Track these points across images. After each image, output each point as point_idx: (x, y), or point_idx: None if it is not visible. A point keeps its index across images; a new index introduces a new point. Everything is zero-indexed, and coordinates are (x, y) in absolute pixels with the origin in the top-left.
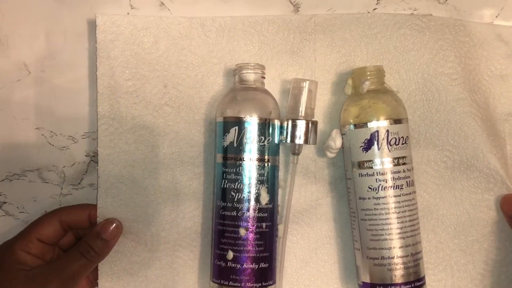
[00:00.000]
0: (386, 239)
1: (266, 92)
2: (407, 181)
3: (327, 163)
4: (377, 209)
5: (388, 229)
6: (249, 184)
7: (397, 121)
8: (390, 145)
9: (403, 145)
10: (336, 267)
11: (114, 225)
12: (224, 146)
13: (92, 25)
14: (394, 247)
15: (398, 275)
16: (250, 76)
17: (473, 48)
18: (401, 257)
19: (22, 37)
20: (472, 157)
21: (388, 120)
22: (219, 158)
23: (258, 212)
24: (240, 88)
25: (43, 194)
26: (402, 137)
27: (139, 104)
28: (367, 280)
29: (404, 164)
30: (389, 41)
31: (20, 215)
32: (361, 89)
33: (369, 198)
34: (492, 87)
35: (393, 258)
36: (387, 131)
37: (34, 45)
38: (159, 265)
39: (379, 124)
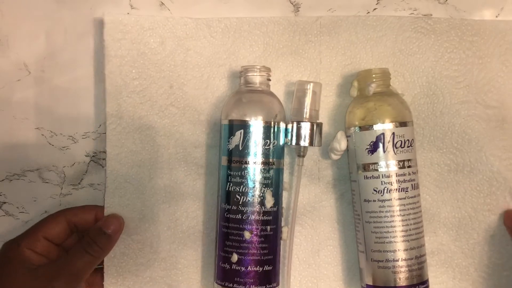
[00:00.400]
0: (391, 242)
1: (272, 94)
2: (412, 184)
3: (331, 165)
4: (382, 212)
5: (393, 231)
6: (254, 187)
7: (402, 123)
8: (396, 148)
9: (408, 148)
10: (339, 269)
11: (116, 219)
12: (229, 149)
13: (94, 25)
14: (398, 250)
15: (402, 277)
16: (256, 78)
17: (484, 46)
18: (406, 259)
19: (22, 37)
20: (475, 160)
21: (393, 123)
22: (224, 160)
23: (263, 215)
24: (245, 90)
25: (43, 194)
26: (408, 139)
27: (145, 104)
28: (371, 283)
29: (409, 167)
30: (394, 44)
31: (20, 215)
32: (367, 91)
33: (374, 201)
34: (508, 84)
35: (397, 260)
36: (393, 133)
37: (34, 45)
38: (164, 266)
39: (385, 127)
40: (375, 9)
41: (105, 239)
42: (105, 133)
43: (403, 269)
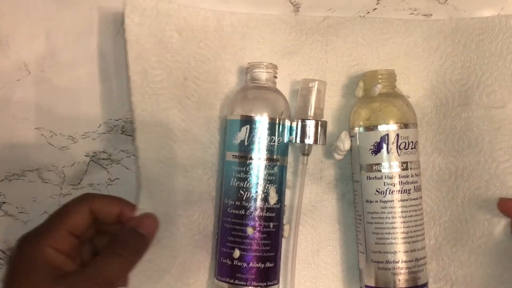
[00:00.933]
0: (391, 243)
1: (278, 92)
2: (414, 186)
3: (333, 165)
4: (384, 213)
5: (394, 233)
6: (258, 183)
7: (407, 125)
8: (400, 149)
9: (412, 150)
10: (338, 270)
11: (152, 219)
12: (234, 144)
13: (95, 25)
14: (399, 252)
15: (402, 279)
16: (263, 75)
17: (491, 44)
18: (406, 261)
19: (22, 37)
20: (475, 163)
21: (398, 124)
22: (229, 156)
23: (266, 212)
24: (252, 86)
25: (43, 194)
26: (412, 141)
27: (165, 96)
28: (370, 284)
29: (412, 168)
30: (400, 47)
31: (19, 215)
32: (373, 92)
33: (376, 202)
34: None
35: (397, 262)
36: (397, 135)
37: (34, 45)
38: (181, 270)
39: (389, 128)
40: (375, 9)
41: (140, 240)
42: (105, 132)
43: (403, 271)
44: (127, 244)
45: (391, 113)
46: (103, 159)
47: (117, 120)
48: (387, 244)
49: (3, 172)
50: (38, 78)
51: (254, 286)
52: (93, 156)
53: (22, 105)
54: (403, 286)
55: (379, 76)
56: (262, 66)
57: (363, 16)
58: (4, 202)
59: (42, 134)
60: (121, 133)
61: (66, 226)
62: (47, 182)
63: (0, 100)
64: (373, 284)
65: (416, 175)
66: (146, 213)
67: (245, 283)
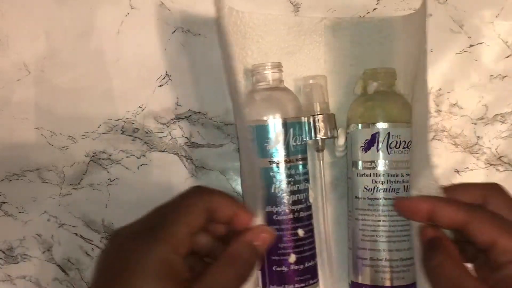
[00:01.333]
0: (376, 241)
1: (291, 91)
2: (404, 186)
3: (333, 165)
4: (370, 210)
5: (378, 231)
6: (299, 184)
7: (400, 124)
8: (390, 148)
9: (404, 149)
10: (339, 270)
11: (268, 234)
12: (269, 150)
13: (93, 23)
14: (382, 250)
15: (385, 277)
16: (276, 75)
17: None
18: (390, 260)
19: (22, 37)
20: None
21: (390, 123)
22: (265, 163)
23: (308, 211)
24: (268, 88)
25: (43, 194)
26: (404, 141)
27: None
28: (356, 280)
29: (402, 168)
30: (398, 46)
31: (19, 215)
32: (369, 89)
33: (363, 198)
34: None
35: (381, 260)
36: (388, 133)
37: (34, 45)
38: None
39: (381, 126)
40: (375, 9)
41: (255, 255)
42: (105, 132)
43: (386, 269)
44: (243, 259)
45: (383, 111)
46: (103, 159)
47: (117, 120)
48: (371, 241)
49: (3, 172)
50: (38, 78)
51: (311, 284)
52: (93, 156)
53: (22, 105)
54: (387, 285)
55: (377, 74)
56: (274, 67)
57: (363, 16)
58: (4, 202)
59: (42, 134)
60: (121, 133)
61: (187, 227)
62: (47, 182)
63: (0, 100)
64: (358, 281)
65: (407, 174)
66: (263, 226)
67: (304, 284)
